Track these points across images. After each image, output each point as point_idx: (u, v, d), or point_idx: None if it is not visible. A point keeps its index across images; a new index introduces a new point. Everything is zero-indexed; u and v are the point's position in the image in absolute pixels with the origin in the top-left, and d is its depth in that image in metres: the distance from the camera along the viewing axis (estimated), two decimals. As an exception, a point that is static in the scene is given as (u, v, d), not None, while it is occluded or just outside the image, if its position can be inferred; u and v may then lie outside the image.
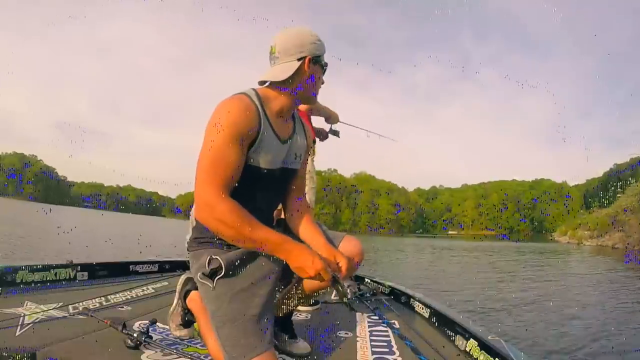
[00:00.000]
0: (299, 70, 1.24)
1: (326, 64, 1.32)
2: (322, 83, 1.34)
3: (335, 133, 2.60)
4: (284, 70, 1.23)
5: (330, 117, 2.55)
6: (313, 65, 1.26)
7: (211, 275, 1.20)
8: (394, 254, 16.63)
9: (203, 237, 1.30)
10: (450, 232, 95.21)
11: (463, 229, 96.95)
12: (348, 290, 1.12)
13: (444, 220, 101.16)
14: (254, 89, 1.25)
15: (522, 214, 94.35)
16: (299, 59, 1.24)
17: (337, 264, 1.19)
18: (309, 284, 1.43)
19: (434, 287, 7.16)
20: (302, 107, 2.39)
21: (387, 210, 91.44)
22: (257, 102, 1.21)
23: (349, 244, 1.39)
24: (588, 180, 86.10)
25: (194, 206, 1.24)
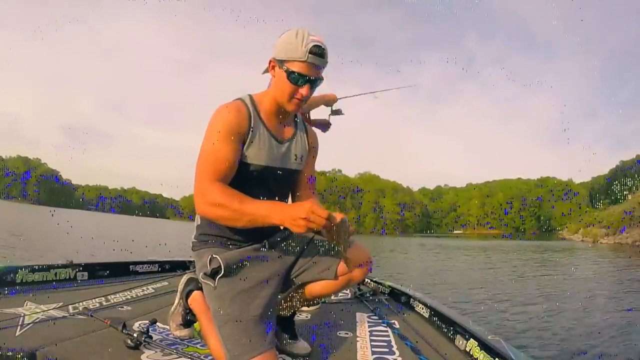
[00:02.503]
0: (272, 72, 1.25)
1: (299, 75, 1.18)
2: (301, 97, 1.21)
3: (337, 112, 2.47)
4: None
5: (328, 101, 2.43)
6: (278, 70, 1.22)
7: (213, 275, 1.21)
8: (404, 255, 16.45)
9: (206, 235, 1.32)
10: (455, 232, 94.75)
11: (468, 228, 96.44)
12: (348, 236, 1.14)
13: (447, 221, 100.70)
14: (249, 95, 1.30)
15: (528, 212, 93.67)
16: (270, 60, 1.24)
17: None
18: (311, 288, 1.41)
19: (448, 288, 7.07)
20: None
21: (392, 210, 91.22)
22: (249, 105, 1.26)
23: (356, 251, 1.32)
24: (594, 177, 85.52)
25: None
